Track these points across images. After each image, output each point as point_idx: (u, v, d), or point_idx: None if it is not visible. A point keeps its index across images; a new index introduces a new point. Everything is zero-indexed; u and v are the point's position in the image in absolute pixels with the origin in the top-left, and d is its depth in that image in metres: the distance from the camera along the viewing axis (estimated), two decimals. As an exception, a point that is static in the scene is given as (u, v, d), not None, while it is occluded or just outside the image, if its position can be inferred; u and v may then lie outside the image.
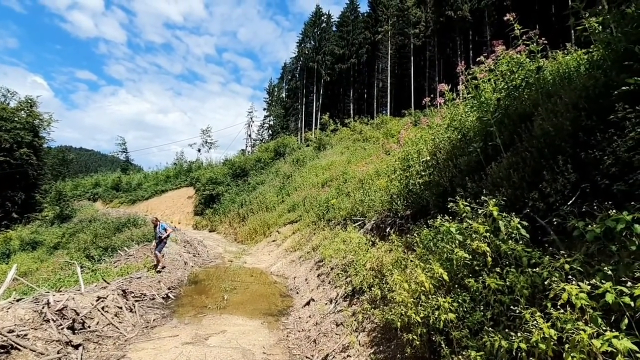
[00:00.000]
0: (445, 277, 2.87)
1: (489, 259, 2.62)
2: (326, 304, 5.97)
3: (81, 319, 4.74)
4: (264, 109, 66.28)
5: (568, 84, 3.74)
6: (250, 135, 60.09)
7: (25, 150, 36.39)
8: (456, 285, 2.92)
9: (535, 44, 4.64)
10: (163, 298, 7.77)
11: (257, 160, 34.78)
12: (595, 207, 2.34)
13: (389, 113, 44.70)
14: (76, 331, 4.76)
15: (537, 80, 4.35)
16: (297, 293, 8.85)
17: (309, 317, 6.08)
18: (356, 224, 9.20)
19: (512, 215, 2.68)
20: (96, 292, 5.67)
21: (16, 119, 38.13)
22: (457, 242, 2.95)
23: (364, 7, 55.09)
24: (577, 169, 2.84)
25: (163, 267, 9.89)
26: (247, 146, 58.88)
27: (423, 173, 5.69)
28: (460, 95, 6.87)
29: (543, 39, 4.81)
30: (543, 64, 4.54)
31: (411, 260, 3.54)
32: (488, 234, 2.73)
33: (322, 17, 58.38)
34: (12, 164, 35.38)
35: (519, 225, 2.60)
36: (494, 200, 2.78)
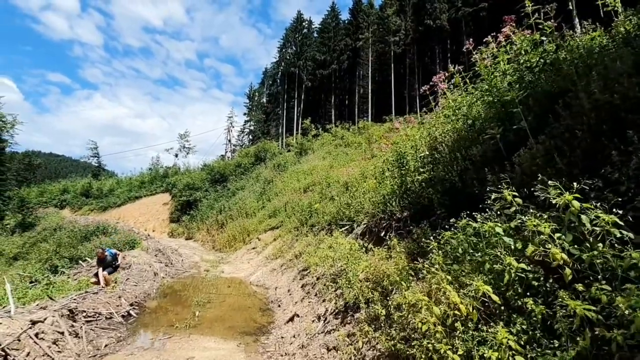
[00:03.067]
0: (495, 298, 2.11)
1: (568, 271, 1.88)
2: (313, 321, 5.14)
3: (1, 351, 3.67)
4: (245, 114, 64.91)
5: (601, 58, 3.18)
6: (230, 141, 58.51)
7: (-17, 154, 33.50)
8: (507, 309, 2.17)
9: (547, 23, 4.10)
10: (123, 316, 6.69)
11: (237, 165, 33.59)
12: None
13: (370, 119, 44.62)
14: (-4, 367, 3.72)
15: (557, 60, 3.78)
16: (279, 306, 7.96)
17: (293, 337, 5.22)
18: (343, 229, 8.46)
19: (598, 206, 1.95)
20: (33, 314, 4.60)
21: (-26, 120, 35.22)
22: (507, 247, 2.23)
23: (345, 15, 55.53)
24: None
25: (103, 287, 8.23)
26: (226, 152, 57.24)
27: (422, 169, 5.04)
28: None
29: (552, 20, 4.30)
30: (563, 42, 4.00)
31: (427, 271, 2.80)
32: (557, 235, 2.01)
33: (304, 23, 58.20)
34: (-31, 168, 32.41)
35: (617, 221, 1.86)
36: (574, 185, 2.03)
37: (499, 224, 2.30)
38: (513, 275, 2.11)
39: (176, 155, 52.52)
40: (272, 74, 64.36)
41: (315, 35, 58.36)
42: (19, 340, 3.83)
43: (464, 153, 4.05)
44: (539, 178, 2.37)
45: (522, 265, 2.09)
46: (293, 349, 4.71)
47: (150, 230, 29.94)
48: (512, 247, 2.19)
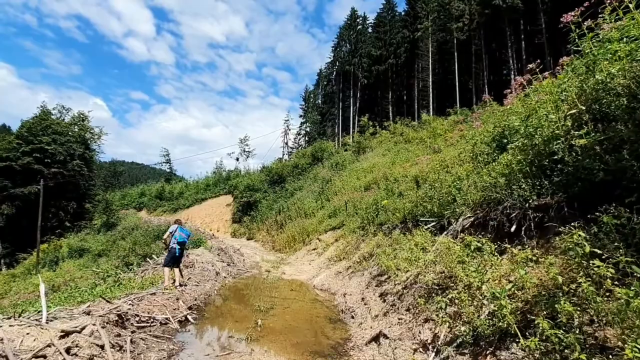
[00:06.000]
0: None
1: None
2: (416, 350, 3.68)
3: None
4: (300, 116, 65.26)
5: None
6: (287, 143, 59.28)
7: (77, 162, 37.84)
8: None
9: None
10: (179, 322, 5.92)
11: (295, 166, 33.29)
12: None
13: (431, 113, 41.31)
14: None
15: None
16: (353, 318, 6.64)
17: (385, 368, 3.84)
18: (429, 226, 6.85)
19: None
20: (73, 321, 3.88)
21: (70, 132, 40.04)
22: None
23: (401, 7, 52.17)
24: None
25: (180, 285, 7.96)
26: (283, 154, 58.03)
27: (577, 133, 3.33)
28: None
29: None
30: None
31: None
32: None
33: (358, 20, 56.77)
34: (65, 175, 36.72)
35: None
36: None
37: None
38: None
39: (237, 159, 54.66)
40: (327, 75, 63.93)
41: (370, 30, 56.49)
42: (44, 358, 3.05)
43: None
44: None
45: None
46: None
47: (215, 230, 30.84)
48: None
